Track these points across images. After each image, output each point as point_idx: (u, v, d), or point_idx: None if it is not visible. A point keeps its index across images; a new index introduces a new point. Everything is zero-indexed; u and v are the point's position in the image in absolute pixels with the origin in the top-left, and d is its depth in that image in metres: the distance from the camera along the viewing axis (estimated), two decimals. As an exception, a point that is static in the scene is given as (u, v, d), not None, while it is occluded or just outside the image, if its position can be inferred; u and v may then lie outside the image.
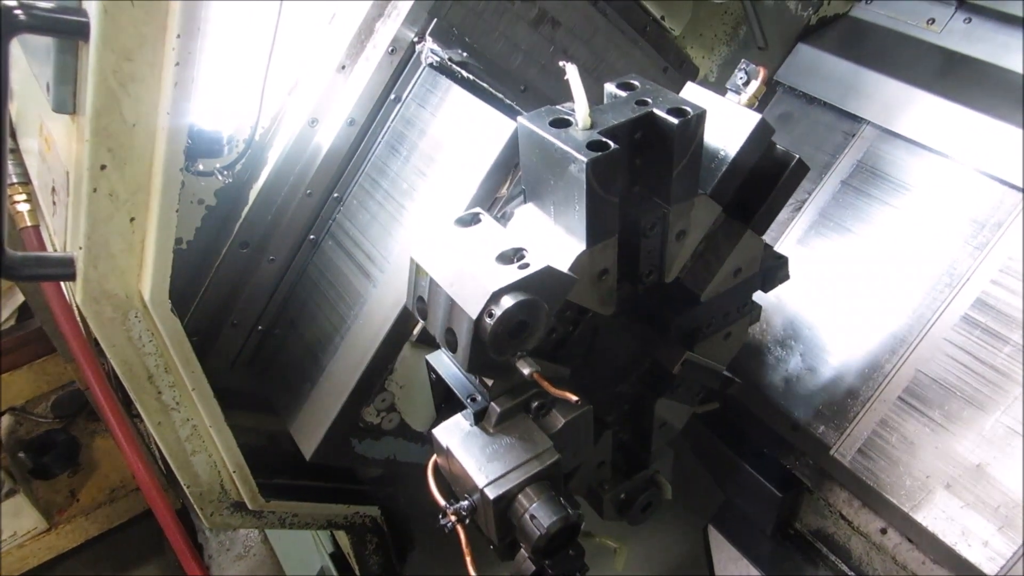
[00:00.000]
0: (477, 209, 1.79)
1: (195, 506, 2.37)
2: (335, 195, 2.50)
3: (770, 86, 3.20)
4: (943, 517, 2.46)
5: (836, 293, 2.81)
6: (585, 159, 1.56)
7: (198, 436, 2.26)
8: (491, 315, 1.54)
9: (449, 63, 2.32)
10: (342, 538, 3.13)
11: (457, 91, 2.33)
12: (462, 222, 1.74)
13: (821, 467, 2.83)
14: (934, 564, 2.62)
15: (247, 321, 2.58)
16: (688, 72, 3.02)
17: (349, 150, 2.45)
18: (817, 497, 2.99)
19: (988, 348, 2.45)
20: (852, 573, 2.89)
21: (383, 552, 2.97)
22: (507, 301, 1.54)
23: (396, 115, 2.44)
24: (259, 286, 2.54)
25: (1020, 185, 2.49)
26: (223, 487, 2.39)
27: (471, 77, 2.32)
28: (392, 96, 2.42)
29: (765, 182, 1.97)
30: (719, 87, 3.16)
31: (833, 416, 2.75)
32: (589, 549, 1.94)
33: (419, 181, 2.36)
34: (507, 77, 2.49)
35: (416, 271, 1.72)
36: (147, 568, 5.23)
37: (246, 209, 2.42)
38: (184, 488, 2.33)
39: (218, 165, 2.31)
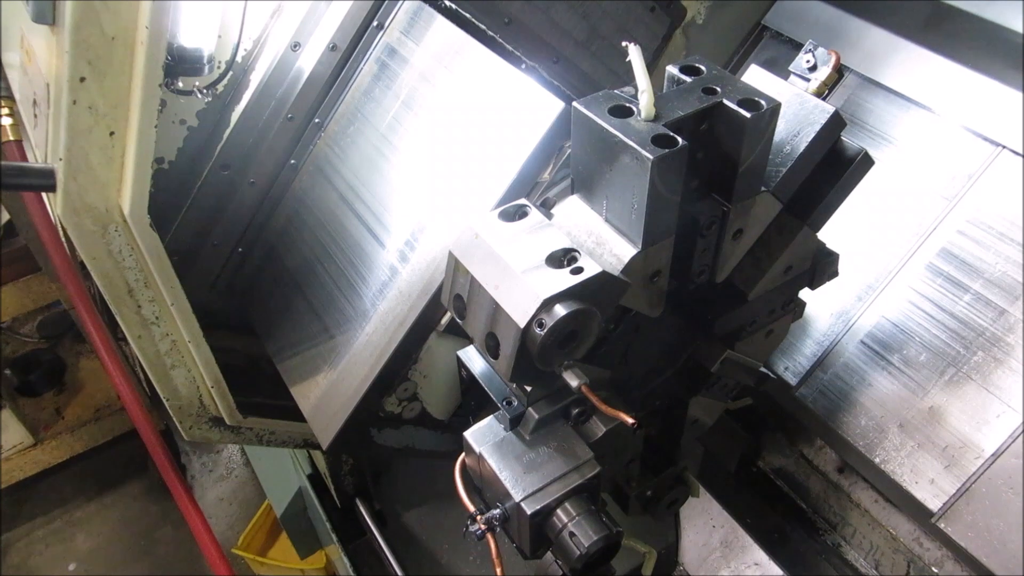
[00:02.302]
0: (523, 201, 1.63)
1: (174, 419, 2.41)
2: (316, 120, 2.51)
3: (757, 31, 3.19)
4: (895, 457, 2.56)
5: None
6: (651, 156, 1.40)
7: (177, 351, 2.29)
8: (541, 324, 1.41)
9: (432, -9, 2.31)
10: (319, 460, 3.22)
11: (461, 35, 2.26)
12: (506, 215, 1.60)
13: (784, 407, 2.91)
14: (886, 502, 2.74)
15: (227, 242, 2.61)
16: (676, 12, 2.99)
17: (331, 76, 2.45)
18: (779, 436, 3.10)
19: (949, 296, 2.51)
20: (810, 510, 3.01)
21: (358, 473, 3.05)
22: (559, 310, 1.41)
23: (378, 42, 2.43)
24: (240, 208, 2.56)
25: (993, 138, 2.52)
26: (202, 402, 2.43)
27: (453, 7, 2.31)
28: (375, 23, 2.41)
29: (826, 176, 1.82)
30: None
31: (798, 358, 2.83)
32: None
33: (422, 130, 2.27)
34: (491, 8, 2.46)
35: (455, 267, 1.59)
36: (130, 485, 5.37)
37: (227, 131, 2.43)
38: (164, 401, 2.38)
39: (198, 84, 2.31)
